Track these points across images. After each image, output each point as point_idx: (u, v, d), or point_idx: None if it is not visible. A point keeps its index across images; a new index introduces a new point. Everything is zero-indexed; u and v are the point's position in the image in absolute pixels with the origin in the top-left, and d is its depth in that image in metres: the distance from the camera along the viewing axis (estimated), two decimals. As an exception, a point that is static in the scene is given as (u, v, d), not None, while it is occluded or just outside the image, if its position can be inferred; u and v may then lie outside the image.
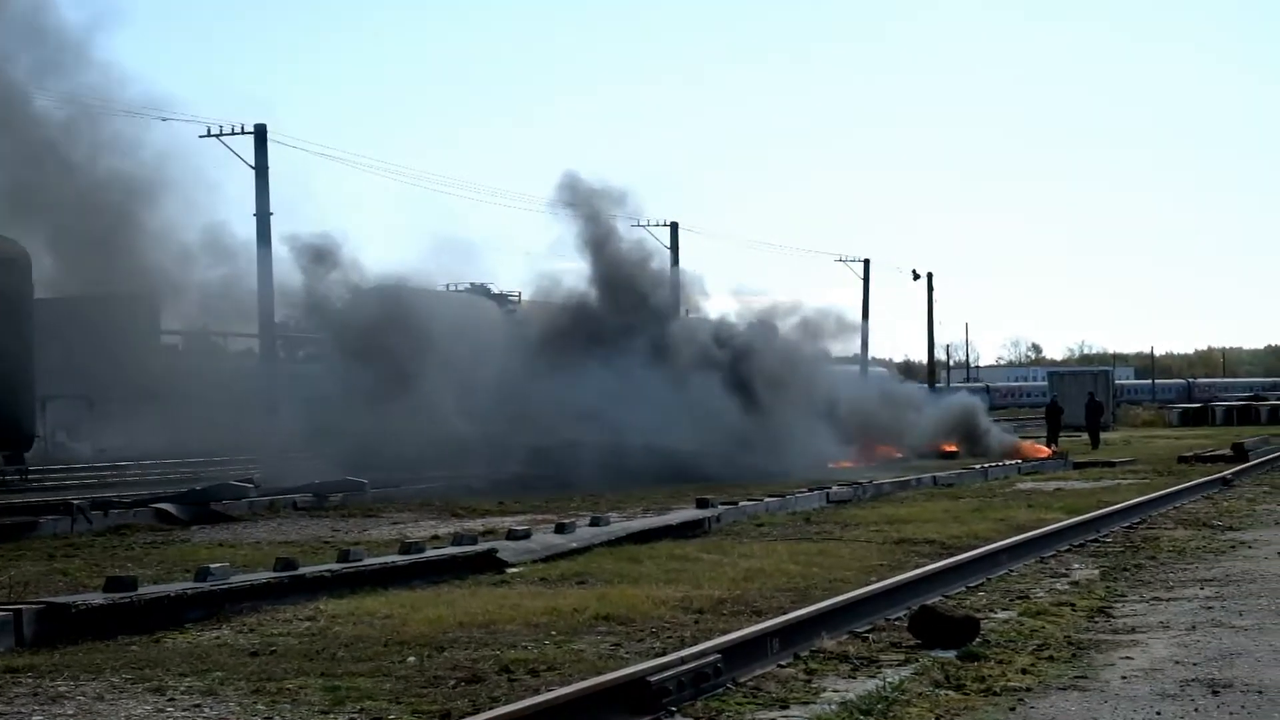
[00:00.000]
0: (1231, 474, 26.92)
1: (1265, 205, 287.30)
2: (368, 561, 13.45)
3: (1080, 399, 55.57)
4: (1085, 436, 49.47)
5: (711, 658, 8.44)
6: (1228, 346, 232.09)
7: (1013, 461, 35.13)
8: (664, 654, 8.87)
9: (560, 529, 16.37)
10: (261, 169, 46.32)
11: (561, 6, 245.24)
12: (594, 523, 17.39)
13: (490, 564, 14.31)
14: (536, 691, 8.14)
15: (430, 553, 14.28)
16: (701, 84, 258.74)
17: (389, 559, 13.80)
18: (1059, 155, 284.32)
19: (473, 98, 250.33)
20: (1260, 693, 8.05)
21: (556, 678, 8.78)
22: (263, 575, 12.48)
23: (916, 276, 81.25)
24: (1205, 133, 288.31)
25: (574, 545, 15.72)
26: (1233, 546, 15.83)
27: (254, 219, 45.81)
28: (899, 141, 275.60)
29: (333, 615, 11.40)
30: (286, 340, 49.25)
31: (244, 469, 30.08)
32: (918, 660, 9.27)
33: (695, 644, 9.06)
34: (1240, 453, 33.99)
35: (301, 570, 12.63)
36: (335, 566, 13.05)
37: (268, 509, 22.23)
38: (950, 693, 8.39)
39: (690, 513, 19.23)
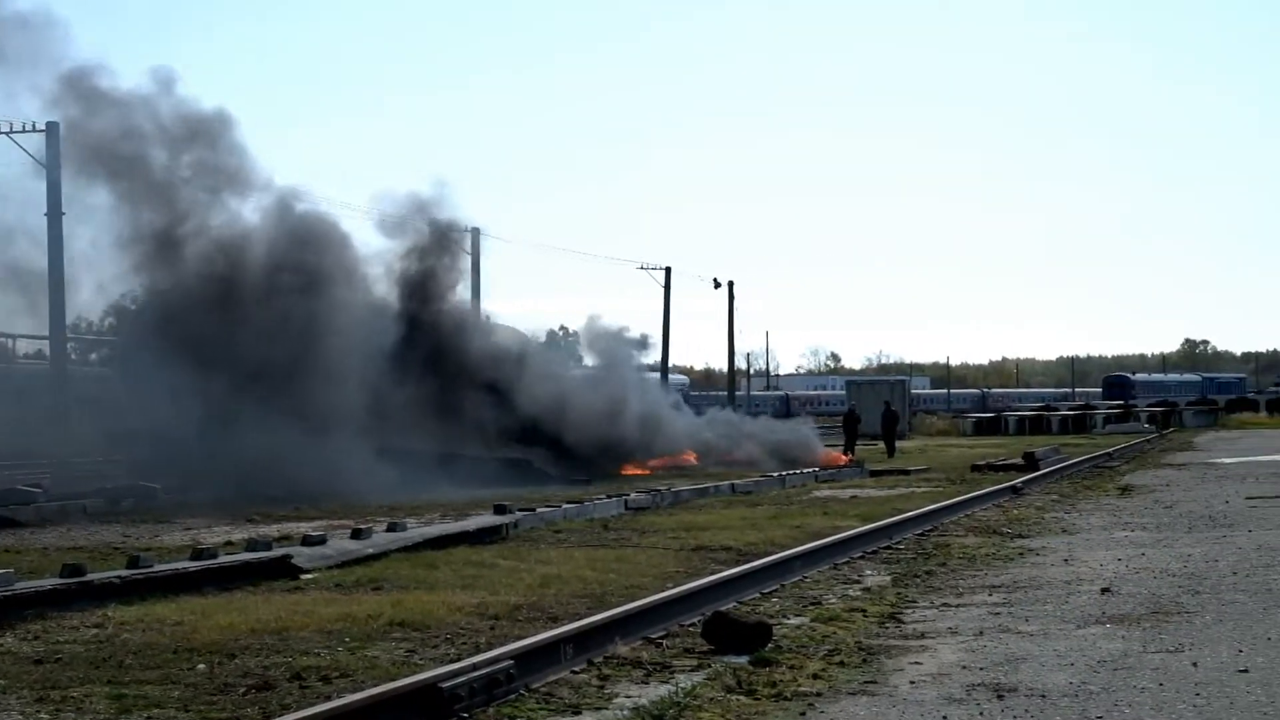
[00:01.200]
0: (1022, 482, 27.46)
1: (1057, 218, 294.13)
2: (158, 568, 13.22)
3: (877, 408, 56.47)
4: (882, 445, 50.23)
5: (505, 664, 8.42)
6: (1021, 358, 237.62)
7: (810, 469, 35.56)
8: (458, 660, 8.81)
9: (356, 534, 16.23)
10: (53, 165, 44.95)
11: (357, 11, 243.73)
12: (391, 528, 17.26)
13: (285, 570, 14.15)
14: (328, 698, 8.05)
15: (223, 559, 14.10)
16: (498, 89, 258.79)
17: (180, 565, 13.59)
18: (857, 165, 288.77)
19: (289, 101, 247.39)
20: (1043, 696, 8.22)
21: (349, 684, 8.70)
22: (49, 582, 12.23)
23: (718, 285, 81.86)
24: (1001, 143, 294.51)
25: (370, 551, 15.61)
26: (1021, 554, 16.15)
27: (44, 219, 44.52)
28: (701, 149, 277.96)
29: (121, 622, 11.18)
30: (79, 343, 48.21)
31: (33, 475, 29.38)
32: (710, 666, 9.33)
33: (490, 650, 9.03)
34: (1031, 461, 34.71)
35: (89, 576, 12.39)
36: (124, 573, 12.80)
37: (57, 514, 21.72)
38: (742, 698, 8.45)
39: (488, 519, 19.19)
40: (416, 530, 17.68)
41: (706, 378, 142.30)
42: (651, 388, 45.55)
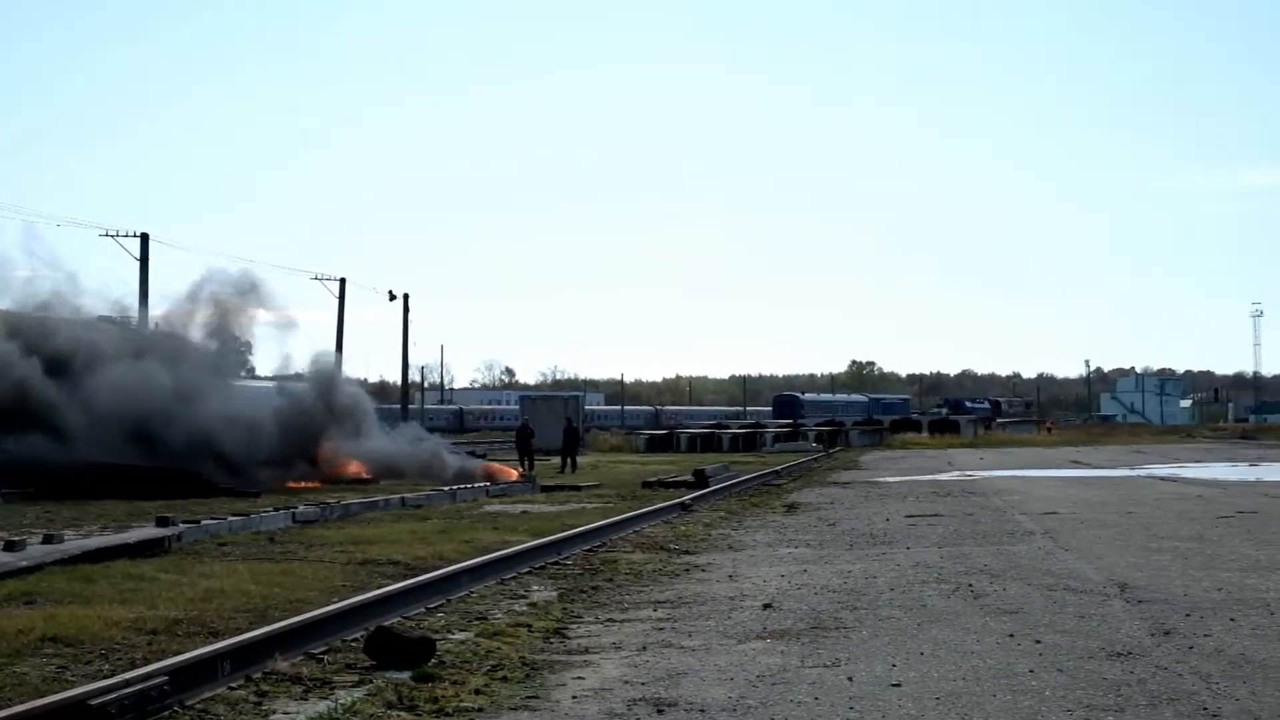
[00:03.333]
0: (691, 499, 27.79)
1: (731, 238, 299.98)
2: None
3: (551, 423, 56.70)
4: (556, 460, 50.42)
5: (158, 680, 8.17)
6: (695, 375, 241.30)
7: (481, 484, 35.47)
8: (111, 676, 8.51)
9: (9, 547, 15.61)
10: None
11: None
12: (47, 540, 16.66)
13: (-71, 584, 13.53)
14: (-32, 718, 7.70)
15: None
16: (170, 96, 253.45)
17: None
18: (532, 181, 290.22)
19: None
20: (702, 711, 8.30)
21: (-9, 703, 8.33)
22: None
23: (393, 297, 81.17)
24: (672, 166, 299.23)
25: (24, 564, 15.00)
26: (687, 570, 16.33)
27: None
28: (377, 160, 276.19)
29: None
30: None
31: None
32: (372, 681, 9.19)
33: (145, 665, 8.77)
34: (701, 479, 35.11)
35: None
36: None
37: None
38: (403, 713, 8.34)
39: (150, 531, 18.66)
40: (74, 543, 17.09)
41: (381, 391, 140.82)
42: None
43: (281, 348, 63.08)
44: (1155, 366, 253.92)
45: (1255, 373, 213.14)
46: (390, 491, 31.20)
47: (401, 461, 41.56)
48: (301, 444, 38.29)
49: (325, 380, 43.11)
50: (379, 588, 13.34)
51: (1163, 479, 38.76)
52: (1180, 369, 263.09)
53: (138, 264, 56.34)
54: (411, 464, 41.39)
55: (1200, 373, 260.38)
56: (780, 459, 58.87)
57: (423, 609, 12.58)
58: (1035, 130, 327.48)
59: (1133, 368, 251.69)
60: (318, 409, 40.15)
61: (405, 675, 9.33)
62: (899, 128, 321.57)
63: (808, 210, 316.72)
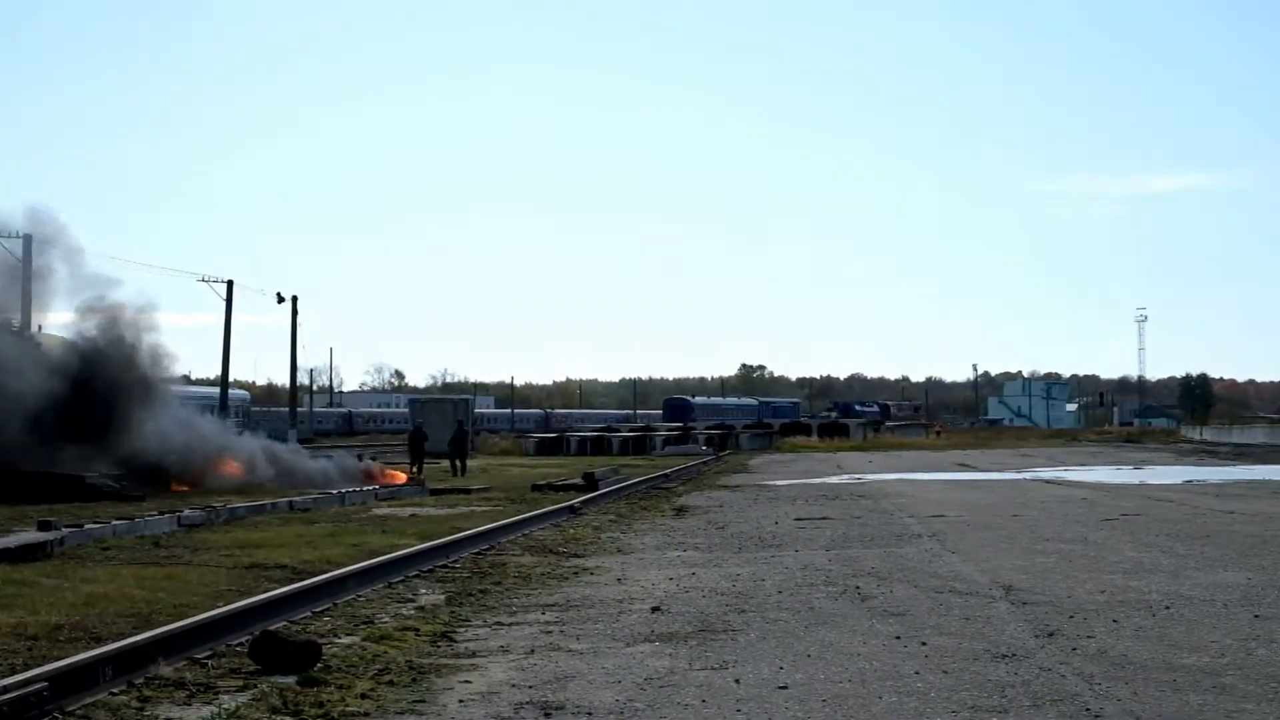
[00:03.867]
0: (580, 502, 27.78)
1: (622, 242, 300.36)
2: None
3: (441, 426, 56.56)
4: (447, 463, 50.23)
5: (38, 685, 8.04)
6: (585, 379, 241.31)
7: (370, 487, 35.29)
8: (-12, 683, 8.37)
9: (-115, 552, 15.35)
10: None
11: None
12: (-77, 545, 16.41)
13: None
14: None
15: None
16: (54, 89, 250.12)
17: None
18: (420, 183, 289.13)
19: None
20: (590, 714, 8.28)
21: None
22: None
23: (281, 299, 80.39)
24: (563, 169, 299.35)
25: (-104, 570, 14.77)
26: (576, 573, 16.31)
27: None
28: (267, 161, 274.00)
29: None
30: None
31: None
32: (257, 686, 9.09)
33: (25, 672, 8.63)
34: (590, 482, 35.13)
35: None
36: None
37: None
38: (288, 718, 8.27)
39: (30, 535, 18.41)
40: (-48, 547, 16.84)
41: (269, 394, 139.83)
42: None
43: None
44: (1042, 371, 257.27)
45: (1140, 377, 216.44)
46: (278, 495, 30.93)
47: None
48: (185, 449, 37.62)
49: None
50: (265, 592, 13.22)
51: (1048, 482, 39.24)
52: (1066, 373, 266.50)
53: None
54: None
55: (1086, 377, 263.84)
56: (670, 462, 58.99)
57: (309, 613, 12.46)
58: (924, 133, 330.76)
59: (1020, 372, 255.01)
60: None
61: (290, 680, 9.23)
62: (781, 129, 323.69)
63: (698, 214, 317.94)
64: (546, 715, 8.30)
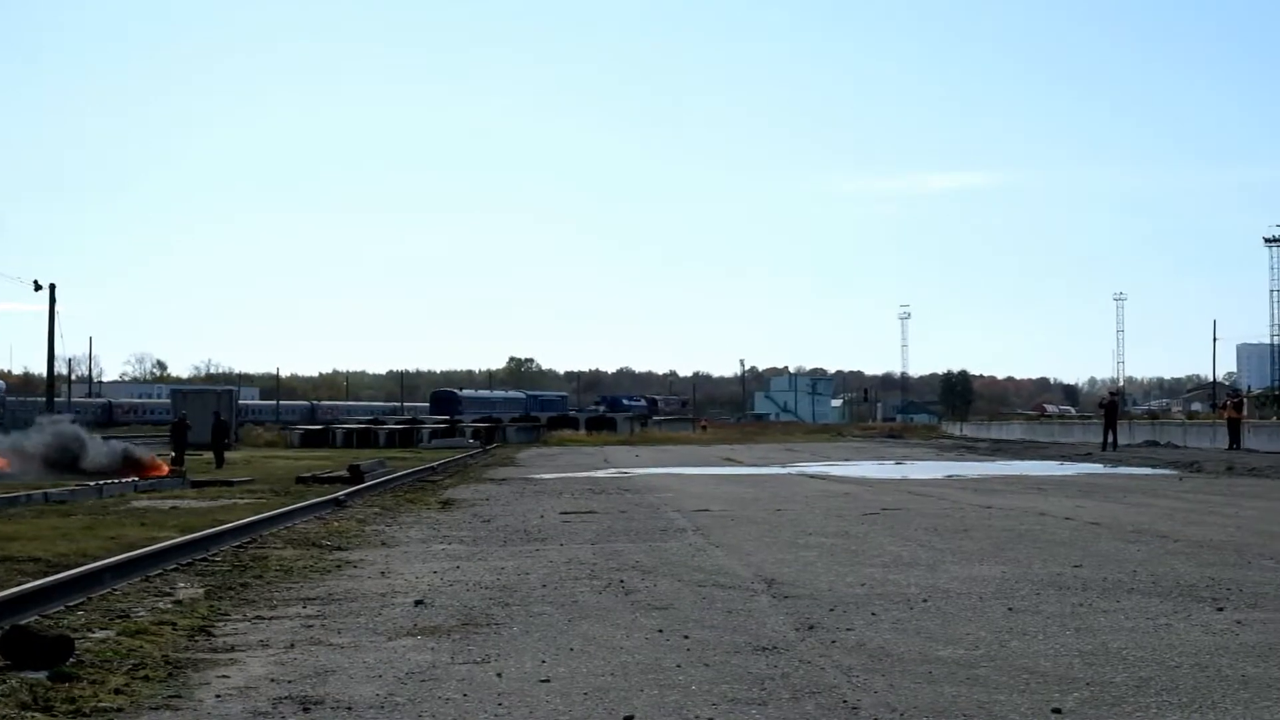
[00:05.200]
0: (345, 495, 27.50)
1: (393, 235, 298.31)
2: None
3: (205, 417, 55.69)
4: (209, 455, 49.55)
5: None
6: (352, 371, 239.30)
7: (130, 479, 34.55)
8: None
9: None
10: None
11: None
12: None
13: None
14: None
15: None
16: None
17: None
18: (185, 174, 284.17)
19: None
20: (349, 709, 8.18)
21: None
22: None
23: (38, 287, 78.28)
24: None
25: None
26: (339, 566, 16.14)
27: None
28: (16, 142, 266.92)
29: None
30: None
31: None
32: (6, 682, 8.81)
33: None
34: (356, 474, 34.83)
35: None
36: None
37: None
38: (38, 714, 8.03)
39: None
40: None
41: (25, 383, 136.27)
42: None
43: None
44: (808, 367, 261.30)
45: (903, 373, 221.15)
46: (33, 487, 30.13)
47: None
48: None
49: None
50: (16, 585, 12.84)
51: (812, 477, 39.78)
52: (832, 369, 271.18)
53: None
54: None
55: (851, 373, 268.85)
56: (437, 455, 58.79)
57: (62, 607, 12.13)
58: (693, 128, 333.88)
59: (786, 368, 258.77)
60: None
61: (42, 675, 8.97)
62: (556, 121, 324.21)
63: (468, 205, 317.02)
64: (305, 710, 8.18)
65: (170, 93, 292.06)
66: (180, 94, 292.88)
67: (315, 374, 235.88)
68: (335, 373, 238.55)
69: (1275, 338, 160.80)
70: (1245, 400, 79.23)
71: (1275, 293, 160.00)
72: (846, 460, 54.72)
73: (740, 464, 51.17)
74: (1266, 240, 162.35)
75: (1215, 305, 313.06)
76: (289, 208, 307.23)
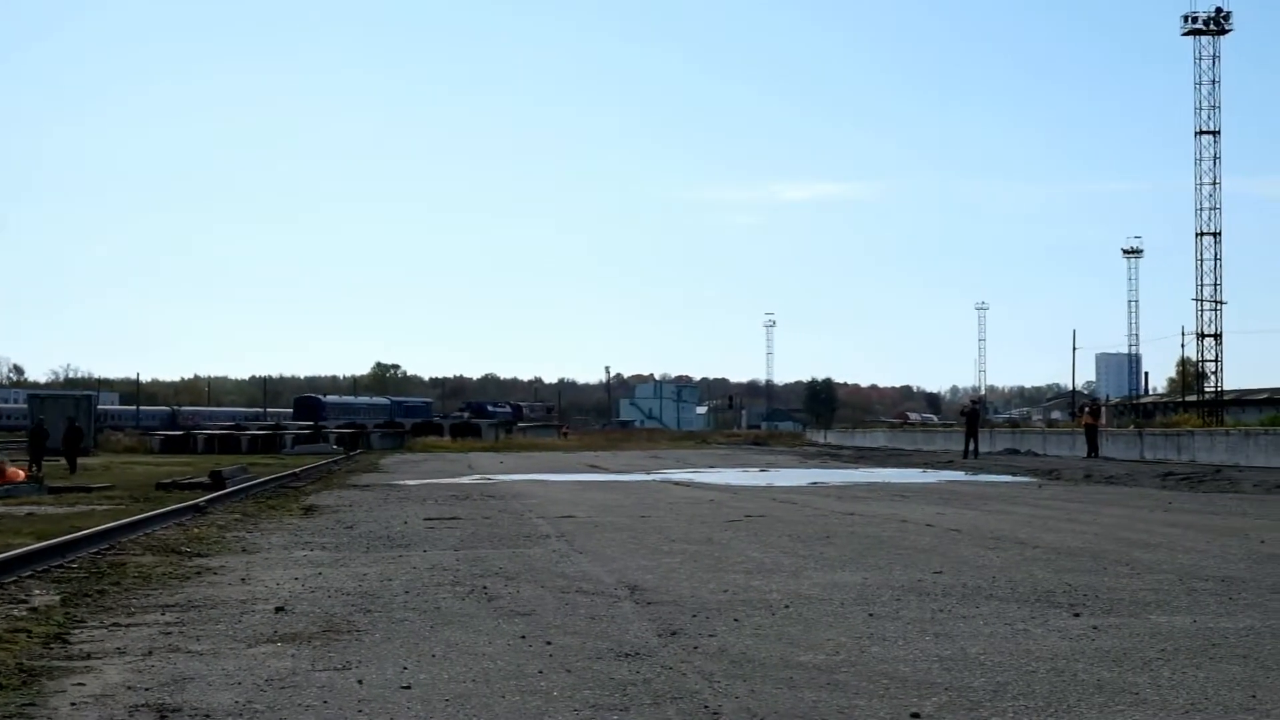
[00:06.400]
0: (206, 501, 27.18)
1: (243, 240, 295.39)
2: None
3: (63, 423, 54.86)
4: (64, 461, 48.87)
5: None
6: (214, 376, 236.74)
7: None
8: None
9: None
10: None
11: None
12: None
13: None
14: None
15: None
16: None
17: None
18: (43, 175, 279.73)
19: None
20: (207, 716, 8.09)
21: None
22: None
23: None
24: (208, 160, 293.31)
25: None
26: (199, 572, 15.95)
27: None
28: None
29: None
30: None
31: None
32: None
33: None
34: (218, 480, 34.48)
35: None
36: None
37: None
38: (-116, 727, 7.89)
39: None
40: None
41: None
42: None
43: None
44: (674, 374, 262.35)
45: (768, 381, 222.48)
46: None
47: None
48: None
49: None
50: None
51: (677, 484, 39.95)
52: (697, 376, 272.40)
53: None
54: None
55: (716, 380, 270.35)
56: (300, 461, 58.36)
57: (-88, 615, 11.92)
58: (557, 136, 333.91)
59: (652, 375, 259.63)
60: None
61: (-111, 685, 8.81)
62: (416, 127, 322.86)
63: (329, 210, 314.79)
64: (163, 718, 8.08)
65: (18, 93, 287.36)
66: (28, 93, 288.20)
67: (177, 379, 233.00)
68: (197, 378, 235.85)
69: (1133, 347, 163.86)
70: (1103, 409, 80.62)
71: (1134, 303, 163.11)
72: (711, 467, 54.97)
73: (605, 471, 51.25)
74: (1125, 251, 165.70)
75: (1075, 315, 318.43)
76: (149, 210, 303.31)
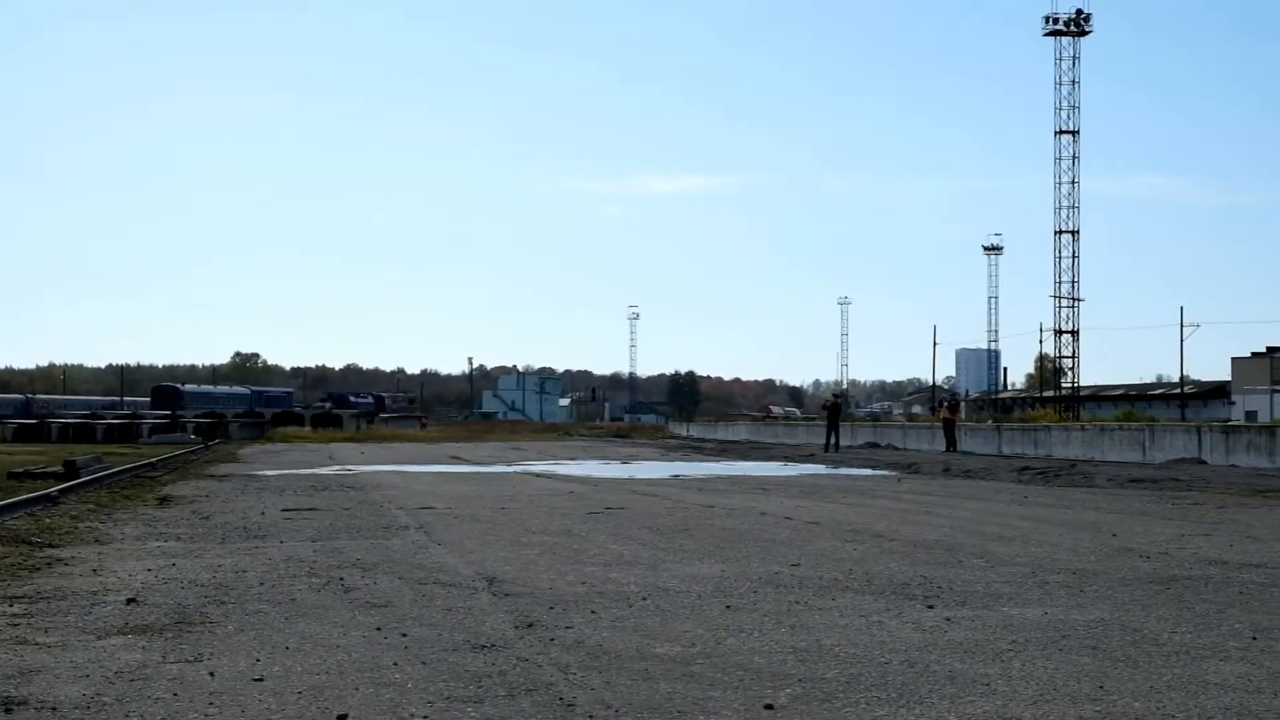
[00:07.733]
0: (59, 490, 26.75)
1: (103, 226, 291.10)
2: None
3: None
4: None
5: None
6: (70, 364, 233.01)
7: None
8: None
9: None
10: None
11: None
12: None
13: None
14: None
15: None
16: None
17: None
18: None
19: None
20: (54, 709, 7.95)
21: None
22: None
23: None
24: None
25: None
26: (49, 564, 15.65)
27: None
28: None
29: None
30: None
31: None
32: None
33: None
34: (71, 469, 33.94)
35: None
36: None
37: None
38: None
39: None
40: None
41: None
42: None
43: None
44: (537, 365, 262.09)
45: (631, 373, 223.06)
46: None
47: None
48: None
49: None
50: None
51: (538, 475, 39.92)
52: (560, 368, 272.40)
53: None
54: None
55: (579, 372, 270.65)
56: (157, 451, 57.63)
57: None
58: (417, 126, 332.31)
59: (515, 366, 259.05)
60: None
61: None
62: (281, 119, 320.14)
63: (188, 195, 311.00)
64: (7, 711, 7.93)
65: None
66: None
67: (32, 366, 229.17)
68: (52, 366, 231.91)
69: (993, 343, 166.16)
70: (962, 404, 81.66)
71: (994, 299, 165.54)
72: (572, 459, 55.02)
73: (466, 462, 51.11)
74: (985, 248, 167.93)
75: (936, 311, 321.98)
76: (5, 193, 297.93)
